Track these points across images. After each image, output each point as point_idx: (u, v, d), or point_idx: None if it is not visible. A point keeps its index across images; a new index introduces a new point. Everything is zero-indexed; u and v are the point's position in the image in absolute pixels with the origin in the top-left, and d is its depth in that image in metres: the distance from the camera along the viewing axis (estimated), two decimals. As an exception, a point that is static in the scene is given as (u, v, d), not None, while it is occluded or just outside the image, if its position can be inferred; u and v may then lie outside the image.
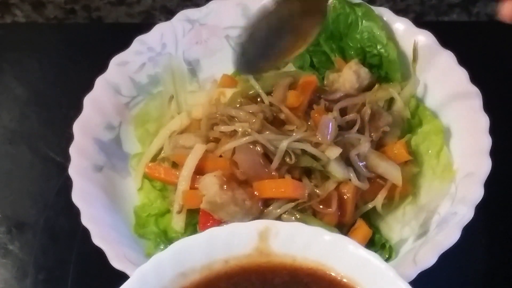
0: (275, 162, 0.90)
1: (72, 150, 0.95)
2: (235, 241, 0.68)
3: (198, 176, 0.93)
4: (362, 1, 1.05)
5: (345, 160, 0.93)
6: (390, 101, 1.01)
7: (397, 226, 0.94)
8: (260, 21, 0.87)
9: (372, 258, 0.65)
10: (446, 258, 0.84)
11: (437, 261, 0.83)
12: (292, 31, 0.89)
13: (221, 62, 1.08)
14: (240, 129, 0.93)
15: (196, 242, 0.68)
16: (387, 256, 0.92)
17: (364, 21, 1.04)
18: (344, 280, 0.66)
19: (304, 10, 0.89)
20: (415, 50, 1.02)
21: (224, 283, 0.68)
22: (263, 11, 0.87)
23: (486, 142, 0.91)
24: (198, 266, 0.68)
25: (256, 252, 0.68)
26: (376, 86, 1.01)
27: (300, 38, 0.90)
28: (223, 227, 0.69)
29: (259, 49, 0.88)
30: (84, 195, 0.92)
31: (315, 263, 0.68)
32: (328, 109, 0.96)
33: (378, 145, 0.97)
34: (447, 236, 0.85)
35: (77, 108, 0.98)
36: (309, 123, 0.95)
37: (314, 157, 0.91)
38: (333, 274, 0.67)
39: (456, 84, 0.98)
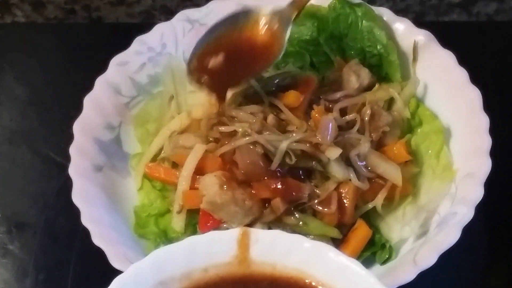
0: (275, 163, 0.90)
1: (72, 150, 0.95)
2: (214, 249, 0.67)
3: (198, 176, 0.93)
4: (362, 1, 1.05)
5: (345, 160, 0.93)
6: (390, 101, 1.01)
7: (397, 226, 0.94)
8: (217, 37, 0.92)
9: (352, 265, 0.64)
10: (446, 258, 0.84)
11: (437, 261, 0.83)
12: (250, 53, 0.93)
13: (221, 62, 1.09)
14: (240, 130, 0.93)
15: (176, 250, 0.67)
16: (387, 256, 0.92)
17: (364, 21, 1.04)
18: None
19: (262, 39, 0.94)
20: (415, 50, 1.02)
21: None
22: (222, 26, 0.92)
23: (486, 142, 0.91)
24: (178, 275, 0.67)
25: (235, 260, 0.67)
26: (376, 86, 1.01)
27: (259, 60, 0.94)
28: (202, 235, 0.68)
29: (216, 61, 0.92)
30: (84, 195, 0.92)
31: (295, 271, 0.67)
32: (328, 109, 0.96)
33: (378, 145, 0.97)
34: (447, 236, 0.85)
35: (77, 108, 0.98)
36: (309, 123, 0.95)
37: (314, 158, 0.91)
38: (313, 283, 0.66)
39: (456, 84, 0.98)
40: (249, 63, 0.96)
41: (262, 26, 0.95)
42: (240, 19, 0.96)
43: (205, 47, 0.96)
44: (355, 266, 0.64)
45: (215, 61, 0.94)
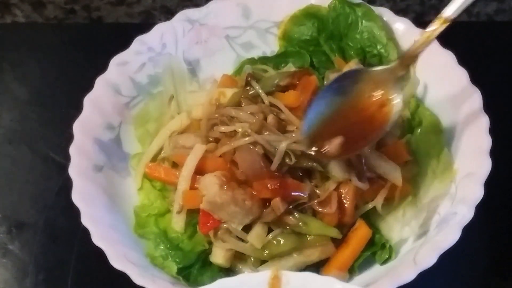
0: (275, 163, 0.90)
1: (72, 150, 0.95)
2: None
3: (198, 176, 0.93)
4: (362, 1, 1.05)
5: (345, 160, 0.93)
6: (390, 101, 1.01)
7: (397, 226, 0.94)
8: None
9: None
10: (446, 258, 0.84)
11: (437, 261, 0.83)
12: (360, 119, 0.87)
13: (221, 62, 1.09)
14: (240, 130, 0.93)
15: None
16: (387, 256, 0.92)
17: (364, 21, 1.04)
18: None
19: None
20: (415, 50, 1.01)
21: None
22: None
23: (486, 142, 0.91)
24: None
25: None
26: (376, 86, 1.01)
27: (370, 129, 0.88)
28: (233, 278, 0.68)
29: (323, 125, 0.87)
30: (84, 195, 0.92)
31: None
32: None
33: (378, 145, 0.97)
34: (447, 236, 0.85)
35: (77, 108, 0.98)
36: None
37: (314, 158, 0.91)
38: None
39: (456, 84, 0.98)
40: (363, 129, 0.91)
41: (373, 88, 0.90)
42: (350, 81, 0.90)
43: (319, 116, 0.90)
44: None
45: (332, 130, 0.89)
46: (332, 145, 0.87)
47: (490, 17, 1.31)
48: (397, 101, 0.88)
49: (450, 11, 0.83)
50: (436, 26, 0.84)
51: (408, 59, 0.90)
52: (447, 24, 0.83)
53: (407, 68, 0.90)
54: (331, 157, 0.89)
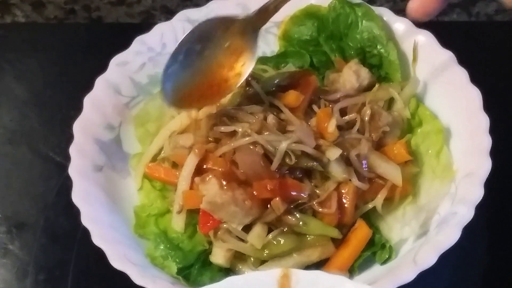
0: (275, 163, 0.90)
1: (72, 150, 0.95)
2: None
3: (198, 176, 0.93)
4: (362, 1, 1.05)
5: (345, 160, 0.93)
6: (390, 101, 1.01)
7: (397, 226, 0.94)
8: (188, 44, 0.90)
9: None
10: (446, 258, 0.84)
11: (437, 261, 0.83)
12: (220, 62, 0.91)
13: (221, 62, 1.08)
14: (240, 130, 0.93)
15: None
16: (387, 256, 0.92)
17: (364, 21, 1.04)
18: None
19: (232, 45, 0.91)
20: (415, 50, 1.02)
21: None
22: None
23: (486, 142, 0.91)
24: None
25: None
26: (376, 86, 1.01)
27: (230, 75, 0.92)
28: (242, 276, 0.67)
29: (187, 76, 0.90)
30: (84, 195, 0.92)
31: None
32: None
33: (378, 145, 0.97)
34: (447, 236, 0.85)
35: (77, 108, 0.98)
36: (309, 123, 0.95)
37: (314, 158, 0.91)
38: None
39: (456, 84, 0.98)
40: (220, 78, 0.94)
41: (234, 35, 0.93)
42: (213, 29, 0.94)
43: (178, 67, 0.94)
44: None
45: (190, 81, 0.93)
46: None
47: (490, 17, 1.31)
48: (250, 61, 0.93)
49: None
50: None
51: (269, 12, 0.92)
52: None
53: (265, 21, 0.93)
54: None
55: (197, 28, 0.94)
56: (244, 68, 0.93)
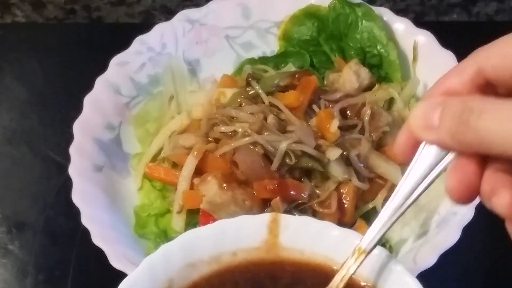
0: (275, 163, 0.90)
1: (72, 150, 0.95)
2: (244, 233, 0.68)
3: (198, 176, 0.93)
4: (362, 1, 1.05)
5: (345, 160, 0.93)
6: (390, 101, 1.01)
7: (397, 226, 0.94)
8: None
9: (379, 252, 0.65)
10: (446, 258, 0.84)
11: (437, 261, 0.83)
12: None
13: (221, 62, 1.09)
14: (240, 130, 0.93)
15: (205, 233, 0.67)
16: (387, 256, 0.92)
17: (364, 21, 1.04)
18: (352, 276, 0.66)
19: None
20: (415, 50, 1.02)
21: (232, 277, 0.67)
22: None
23: (486, 142, 0.91)
24: (207, 257, 0.67)
25: (264, 245, 0.68)
26: (376, 86, 1.01)
27: None
28: (232, 219, 0.68)
29: None
30: (84, 195, 0.92)
31: (323, 258, 0.67)
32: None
33: (378, 145, 0.97)
34: (447, 236, 0.85)
35: (77, 108, 0.98)
36: (309, 123, 0.95)
37: (314, 158, 0.91)
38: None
39: (456, 84, 0.98)
40: None
41: None
42: None
43: None
44: (382, 252, 0.65)
45: None
46: None
47: (490, 17, 1.31)
48: None
49: (365, 242, 0.64)
50: (354, 260, 0.64)
51: None
52: (365, 255, 0.64)
53: None
54: None
55: None
56: None
